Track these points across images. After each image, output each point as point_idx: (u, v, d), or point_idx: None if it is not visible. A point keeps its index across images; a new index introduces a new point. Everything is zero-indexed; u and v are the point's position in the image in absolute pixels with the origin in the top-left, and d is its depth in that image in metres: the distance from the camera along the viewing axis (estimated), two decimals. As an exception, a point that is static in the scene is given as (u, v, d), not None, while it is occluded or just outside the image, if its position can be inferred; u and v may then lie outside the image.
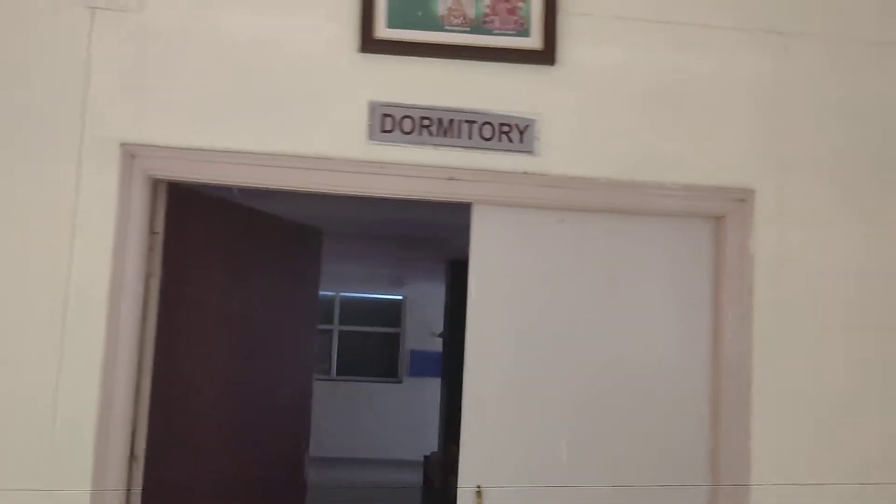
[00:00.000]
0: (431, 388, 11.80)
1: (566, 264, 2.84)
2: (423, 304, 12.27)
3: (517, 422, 2.78)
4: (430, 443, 10.69)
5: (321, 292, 11.48)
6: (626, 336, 2.85)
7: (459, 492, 2.73)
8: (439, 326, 10.69)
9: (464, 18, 2.78)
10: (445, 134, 2.75)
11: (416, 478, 10.37)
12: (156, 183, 2.68)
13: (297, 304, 3.40)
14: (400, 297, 12.71)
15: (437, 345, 11.72)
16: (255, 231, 3.12)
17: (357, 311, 12.79)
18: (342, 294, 12.56)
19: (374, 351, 12.87)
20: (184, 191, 2.76)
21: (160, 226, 2.69)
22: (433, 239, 7.99)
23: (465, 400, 2.79)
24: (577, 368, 2.82)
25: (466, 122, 2.76)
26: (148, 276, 2.66)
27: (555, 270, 2.84)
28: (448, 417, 9.16)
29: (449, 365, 9.27)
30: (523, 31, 2.79)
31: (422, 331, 12.27)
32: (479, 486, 2.73)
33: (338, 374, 12.50)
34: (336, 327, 12.57)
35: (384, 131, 2.73)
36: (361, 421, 12.13)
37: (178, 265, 2.75)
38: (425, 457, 10.31)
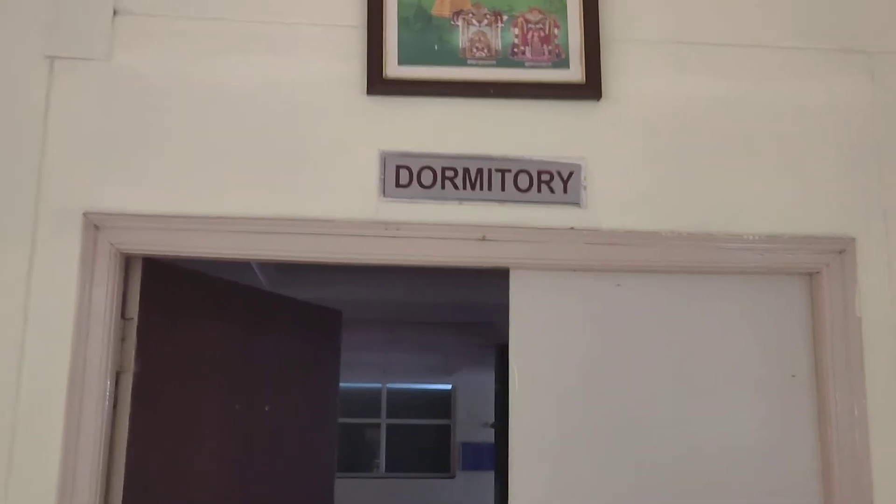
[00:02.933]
0: (486, 483, 11.14)
1: (627, 337, 2.32)
2: (473, 393, 11.71)
3: (577, 536, 2.23)
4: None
5: (368, 384, 11.02)
6: (705, 422, 2.30)
7: None
8: (491, 416, 10.10)
9: (489, 50, 2.34)
10: (473, 186, 2.29)
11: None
12: (128, 259, 2.25)
13: (313, 396, 2.91)
14: (449, 387, 12.16)
15: (489, 436, 11.10)
16: (257, 314, 2.66)
17: (405, 403, 12.25)
18: (389, 386, 12.06)
19: (425, 444, 12.26)
20: (164, 268, 2.32)
21: (134, 310, 2.24)
22: (479, 323, 7.61)
23: (511, 510, 2.25)
24: (646, 465, 2.27)
25: (498, 170, 2.30)
26: (118, 372, 2.20)
27: (614, 346, 2.32)
28: (503, 516, 8.47)
29: (502, 457, 8.64)
30: (561, 62, 2.34)
31: (473, 422, 11.67)
32: None
33: (387, 470, 11.89)
34: (384, 420, 12.03)
35: (400, 186, 2.27)
36: (413, 521, 11.45)
37: (159, 357, 2.29)
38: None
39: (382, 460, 11.99)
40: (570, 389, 2.29)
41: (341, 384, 3.19)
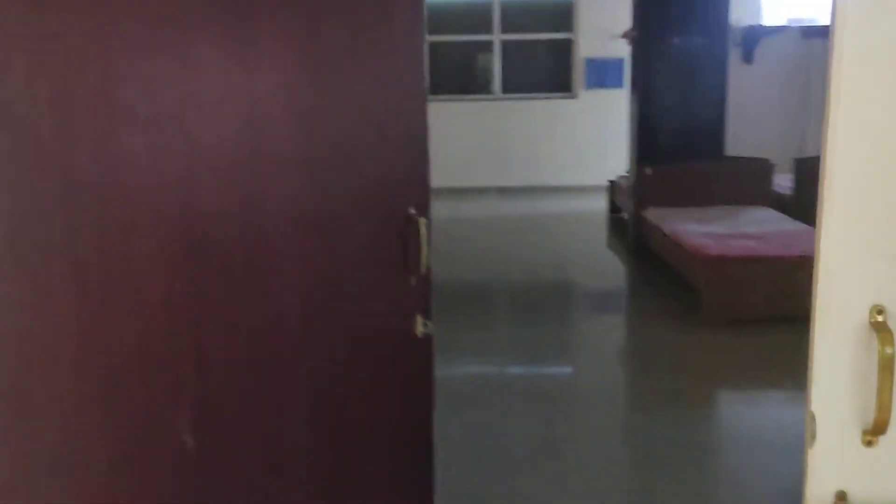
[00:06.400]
0: (612, 102, 10.10)
1: None
2: (598, 1, 10.26)
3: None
4: (615, 166, 9.18)
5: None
6: None
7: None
8: (617, 27, 8.81)
9: None
10: None
11: (600, 206, 8.97)
12: None
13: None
14: (570, -6, 10.69)
15: (615, 51, 9.86)
16: None
17: (520, 15, 10.91)
18: (502, -3, 10.67)
19: (543, 62, 11.11)
20: None
21: None
22: None
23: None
24: None
25: None
26: None
27: None
28: (640, 135, 7.55)
29: (641, 72, 7.51)
30: None
31: (599, 34, 10.35)
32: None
33: (503, 91, 10.90)
34: (497, 37, 10.80)
35: None
36: (533, 144, 10.69)
37: None
38: (610, 182, 8.83)
39: (498, 81, 10.96)
40: None
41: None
